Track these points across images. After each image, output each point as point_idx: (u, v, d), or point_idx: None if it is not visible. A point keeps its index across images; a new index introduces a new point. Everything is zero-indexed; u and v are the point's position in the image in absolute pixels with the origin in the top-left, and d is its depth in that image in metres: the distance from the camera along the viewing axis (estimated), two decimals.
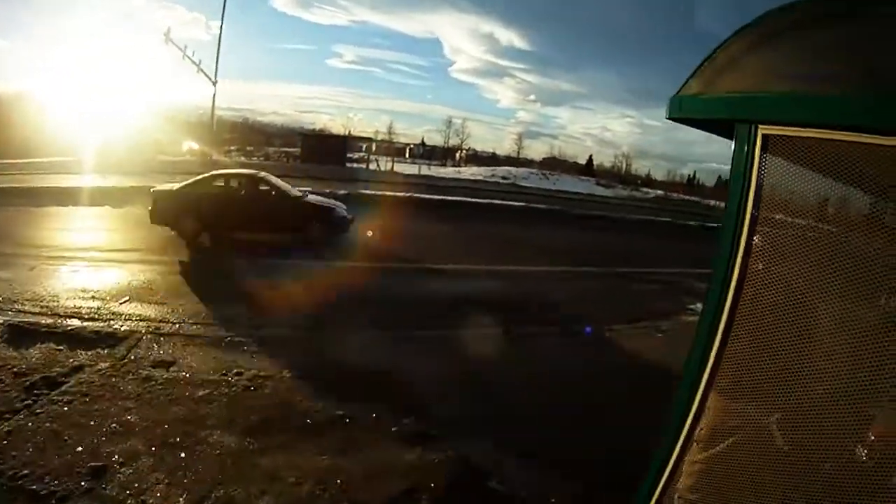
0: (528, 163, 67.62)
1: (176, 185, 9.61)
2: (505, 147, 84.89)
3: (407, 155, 47.11)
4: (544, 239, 13.72)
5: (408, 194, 17.48)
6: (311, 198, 10.72)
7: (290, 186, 10.69)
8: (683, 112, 1.96)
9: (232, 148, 36.89)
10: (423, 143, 52.21)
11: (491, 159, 67.36)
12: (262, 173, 10.48)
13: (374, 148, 40.51)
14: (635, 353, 5.67)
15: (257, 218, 9.53)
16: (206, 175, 10.06)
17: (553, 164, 70.57)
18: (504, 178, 39.21)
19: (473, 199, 19.32)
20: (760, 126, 1.68)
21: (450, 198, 18.78)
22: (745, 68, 1.77)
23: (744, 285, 1.74)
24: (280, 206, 9.80)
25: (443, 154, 61.61)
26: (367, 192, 17.28)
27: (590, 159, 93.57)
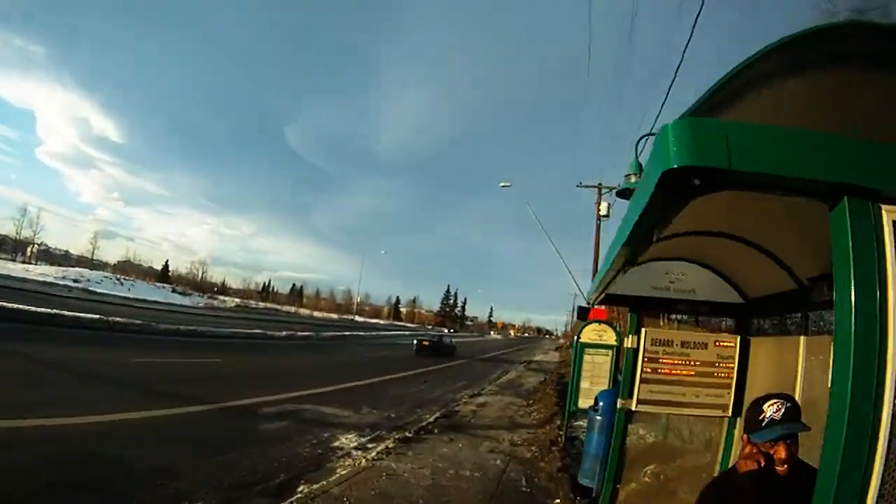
0: (102, 265, 65.34)
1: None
2: (80, 246, 79.51)
3: None
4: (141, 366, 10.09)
5: None
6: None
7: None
8: (726, 157, 1.03)
9: None
10: None
11: (64, 258, 63.58)
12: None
13: None
14: None
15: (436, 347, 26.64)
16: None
17: (128, 268, 70.37)
18: (76, 280, 32.03)
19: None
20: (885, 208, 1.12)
21: None
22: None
23: None
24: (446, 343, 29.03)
25: (13, 246, 56.86)
26: None
27: (166, 265, 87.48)
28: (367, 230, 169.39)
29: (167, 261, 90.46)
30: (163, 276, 76.20)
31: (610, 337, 6.57)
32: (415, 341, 27.14)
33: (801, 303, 3.37)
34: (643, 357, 4.10)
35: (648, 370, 4.11)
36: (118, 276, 50.93)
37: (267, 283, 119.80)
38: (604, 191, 19.71)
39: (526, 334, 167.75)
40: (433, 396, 12.09)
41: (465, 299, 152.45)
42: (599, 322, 6.80)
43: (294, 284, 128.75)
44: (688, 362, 4.11)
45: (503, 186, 24.18)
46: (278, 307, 74.64)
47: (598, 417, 4.90)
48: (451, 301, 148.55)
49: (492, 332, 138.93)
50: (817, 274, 3.04)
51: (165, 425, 6.34)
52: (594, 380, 6.48)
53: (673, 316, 5.94)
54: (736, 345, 4.08)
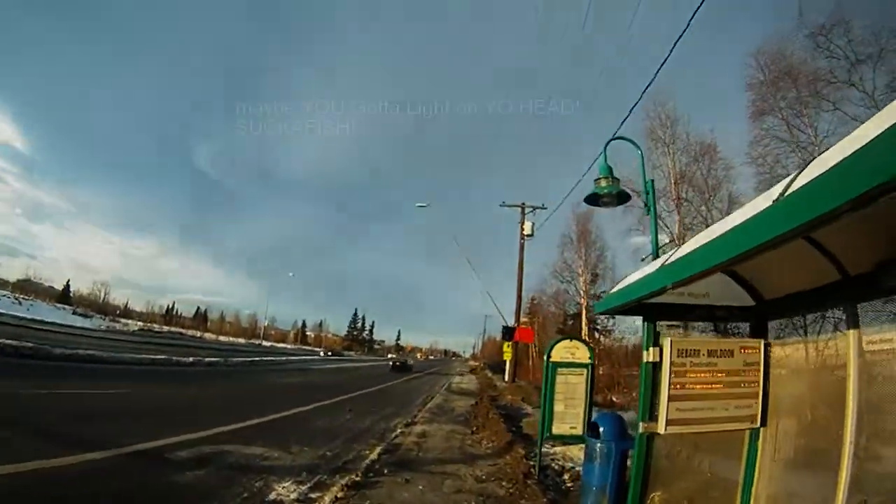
0: (1, 284, 60.05)
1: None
2: None
3: None
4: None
5: None
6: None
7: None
8: None
9: None
10: None
11: None
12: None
13: None
14: None
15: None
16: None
17: (28, 287, 64.60)
18: None
19: None
20: None
21: None
22: None
23: None
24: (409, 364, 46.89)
25: None
26: None
27: (67, 285, 78.01)
28: (273, 254, 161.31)
29: (68, 280, 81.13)
30: (63, 296, 68.09)
31: (583, 354, 6.09)
32: (390, 362, 46.66)
33: (845, 296, 3.04)
34: (670, 371, 3.57)
35: (677, 385, 3.58)
36: (17, 296, 44.74)
37: (171, 306, 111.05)
38: (527, 210, 20.00)
39: (432, 357, 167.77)
40: (364, 427, 10.92)
41: (374, 322, 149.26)
42: (570, 339, 6.31)
43: (199, 308, 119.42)
44: (715, 373, 3.65)
45: (419, 206, 23.61)
46: (183, 331, 68.82)
47: (600, 445, 4.30)
48: (359, 324, 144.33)
49: (390, 356, 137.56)
50: (886, 258, 2.72)
51: (64, 479, 4.74)
52: (569, 402, 5.92)
53: (661, 322, 5.56)
54: (760, 349, 3.71)
